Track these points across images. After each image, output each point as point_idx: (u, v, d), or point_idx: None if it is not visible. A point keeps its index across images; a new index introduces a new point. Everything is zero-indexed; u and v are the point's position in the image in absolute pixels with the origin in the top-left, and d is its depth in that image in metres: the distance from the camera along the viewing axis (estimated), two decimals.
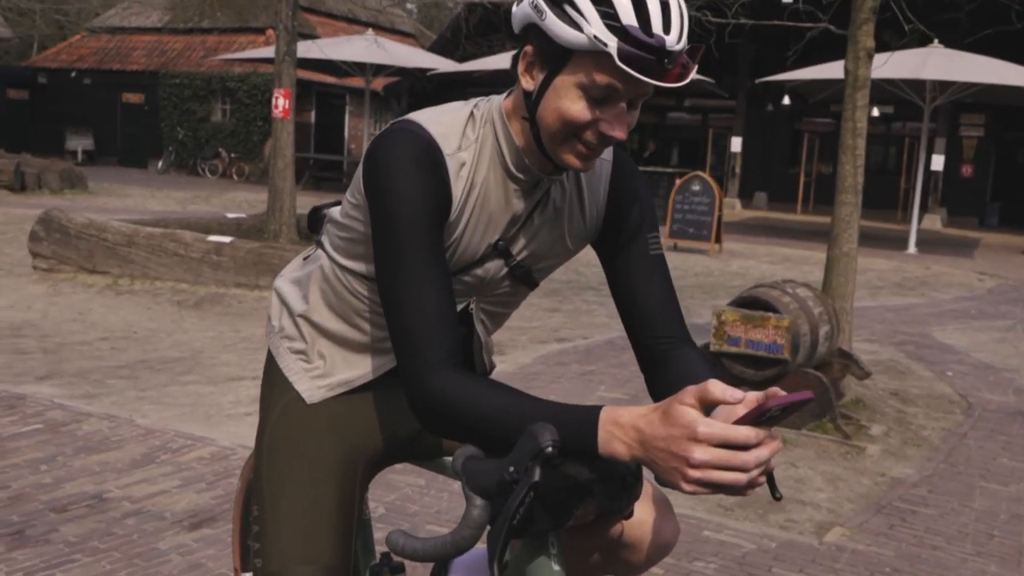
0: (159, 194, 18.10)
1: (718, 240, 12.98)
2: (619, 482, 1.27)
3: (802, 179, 22.81)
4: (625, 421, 1.13)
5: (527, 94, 1.31)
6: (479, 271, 1.43)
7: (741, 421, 1.09)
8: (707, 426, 1.07)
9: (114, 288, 8.03)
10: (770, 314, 4.69)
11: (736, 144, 21.47)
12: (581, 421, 1.15)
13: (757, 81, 16.69)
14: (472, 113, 1.39)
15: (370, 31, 18.19)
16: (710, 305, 7.66)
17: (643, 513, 1.46)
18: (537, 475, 1.08)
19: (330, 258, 1.48)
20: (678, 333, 1.46)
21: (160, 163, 24.92)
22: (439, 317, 1.26)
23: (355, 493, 1.46)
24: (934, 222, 19.76)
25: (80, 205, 13.95)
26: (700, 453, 1.06)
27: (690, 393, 1.10)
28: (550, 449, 1.08)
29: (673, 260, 12.19)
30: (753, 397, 1.12)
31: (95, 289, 8.00)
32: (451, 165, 1.34)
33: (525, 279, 1.47)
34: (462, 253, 1.40)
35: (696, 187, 13.06)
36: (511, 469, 1.11)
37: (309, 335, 1.53)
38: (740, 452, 1.07)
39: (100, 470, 3.79)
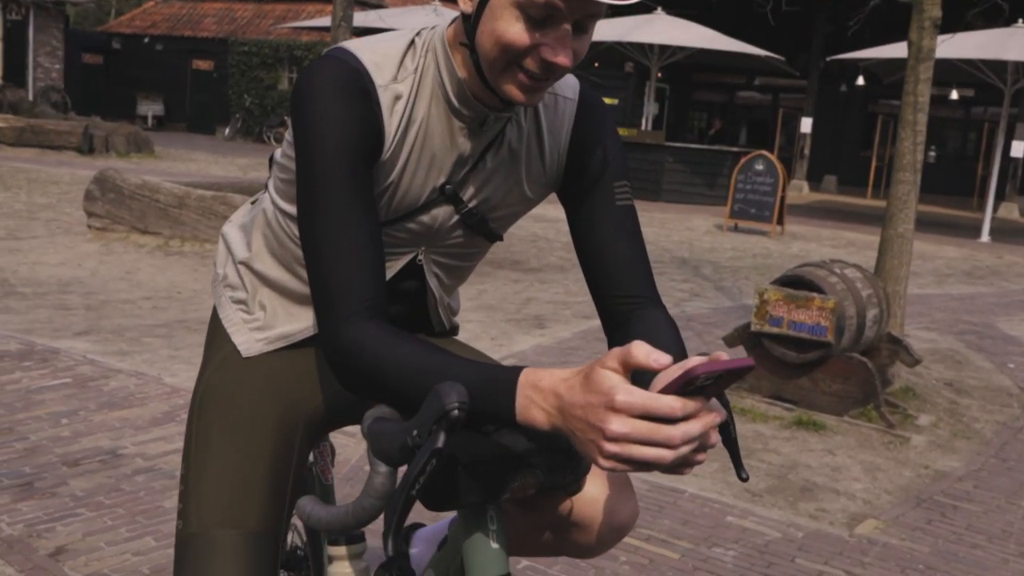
0: (223, 160, 18.31)
1: (780, 222, 12.63)
2: (562, 454, 1.14)
3: (874, 163, 22.15)
4: (545, 385, 0.99)
5: (466, 18, 1.17)
6: (425, 218, 1.30)
7: (667, 390, 0.95)
8: (626, 394, 0.92)
9: (164, 249, 8.10)
10: (815, 294, 4.48)
11: (806, 125, 20.89)
12: (498, 383, 1.02)
13: (829, 59, 16.18)
14: (413, 42, 1.25)
15: (436, 2, 18.08)
16: None
17: (595, 490, 1.32)
18: (441, 441, 0.96)
19: (272, 202, 1.37)
20: (644, 292, 1.32)
21: (227, 130, 25.23)
22: (359, 263, 1.14)
23: (292, 456, 1.35)
24: (1011, 211, 19.01)
25: (144, 168, 14.16)
26: (617, 424, 0.92)
27: (613, 356, 0.96)
28: (456, 412, 0.95)
29: (732, 241, 11.91)
30: (694, 363, 0.97)
31: (146, 249, 8.08)
32: (384, 97, 1.21)
33: (480, 229, 1.34)
34: (403, 197, 1.27)
35: (759, 166, 12.70)
36: (414, 433, 0.99)
37: (251, 284, 1.43)
38: (665, 426, 0.93)
39: (119, 426, 3.77)
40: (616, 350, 0.95)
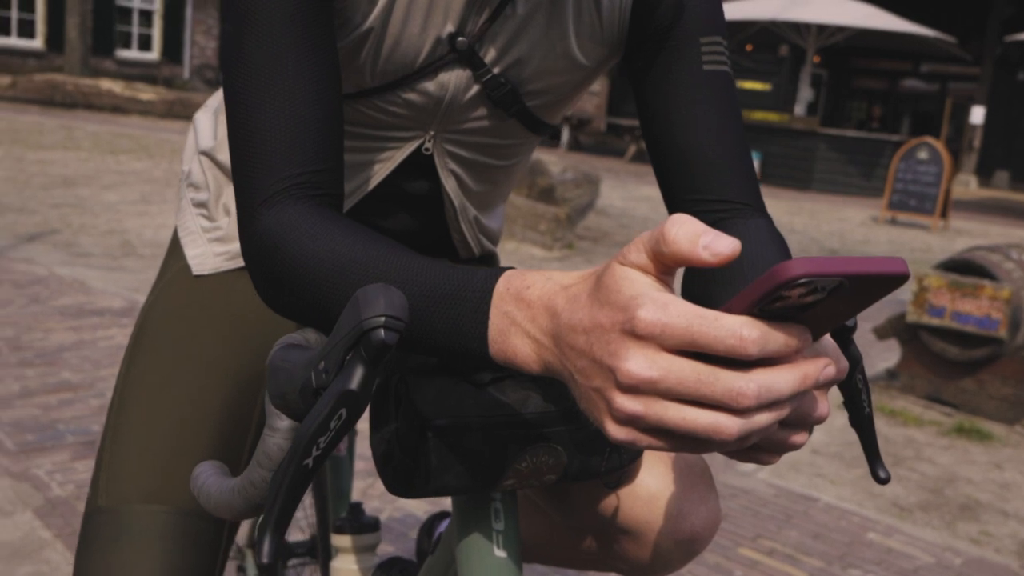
0: None
1: (944, 215, 11.61)
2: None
3: None
4: (534, 296, 0.56)
5: None
6: (430, 84, 0.88)
7: (735, 307, 0.49)
8: (657, 308, 0.48)
9: None
10: (986, 282, 3.85)
11: (977, 115, 19.34)
12: (463, 291, 0.61)
13: (1007, 40, 14.87)
14: None
15: None
16: None
17: (654, 484, 0.89)
18: (356, 380, 0.54)
19: None
20: (742, 196, 0.88)
21: None
22: (295, 124, 0.73)
23: (253, 412, 0.98)
24: None
25: None
26: (637, 362, 0.48)
27: (639, 243, 0.51)
28: (381, 333, 0.53)
29: (888, 233, 11.02)
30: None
31: None
32: None
33: (510, 106, 0.91)
34: (392, 50, 0.86)
35: (923, 155, 11.72)
36: (321, 366, 0.58)
37: (214, 181, 1.05)
38: (726, 370, 0.48)
39: None
40: (644, 234, 0.52)
